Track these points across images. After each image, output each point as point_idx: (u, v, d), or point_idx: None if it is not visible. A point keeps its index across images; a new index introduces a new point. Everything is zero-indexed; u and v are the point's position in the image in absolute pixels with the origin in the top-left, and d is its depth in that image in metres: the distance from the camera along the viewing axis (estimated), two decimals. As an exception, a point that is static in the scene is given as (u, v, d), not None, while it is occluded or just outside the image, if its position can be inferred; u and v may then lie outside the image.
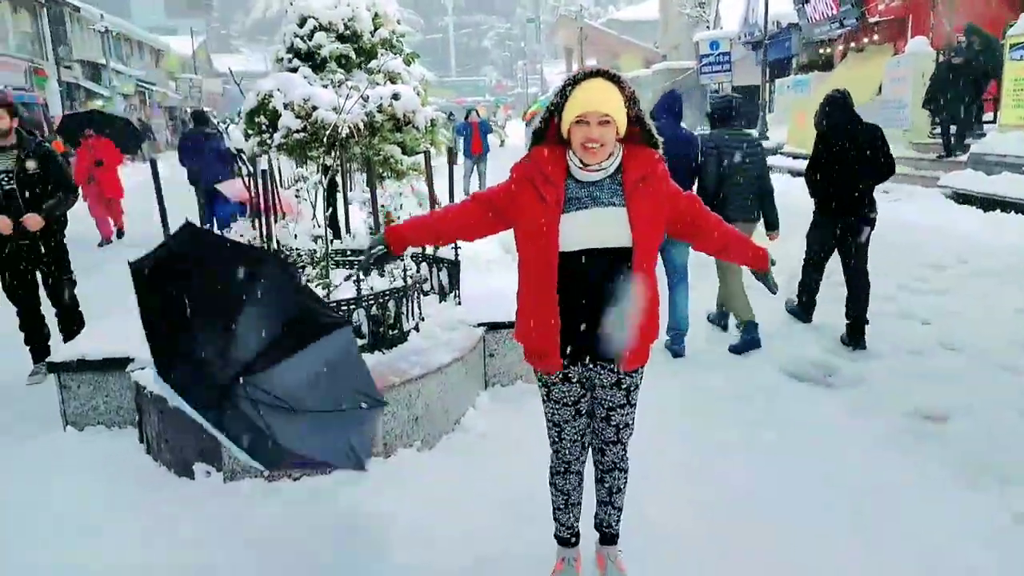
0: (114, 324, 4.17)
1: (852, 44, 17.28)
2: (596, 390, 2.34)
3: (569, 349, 2.21)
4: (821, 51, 18.96)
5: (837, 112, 4.92)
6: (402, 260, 3.77)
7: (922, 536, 2.77)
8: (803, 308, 5.63)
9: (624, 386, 2.32)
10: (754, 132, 7.22)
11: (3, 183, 4.47)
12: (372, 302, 3.67)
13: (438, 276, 4.64)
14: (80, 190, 6.12)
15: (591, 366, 2.28)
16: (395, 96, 4.61)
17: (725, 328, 5.49)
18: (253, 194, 5.70)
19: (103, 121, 10.88)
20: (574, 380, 2.31)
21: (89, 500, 3.20)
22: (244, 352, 2.28)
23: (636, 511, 2.83)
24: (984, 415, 3.76)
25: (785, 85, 20.16)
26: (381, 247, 2.38)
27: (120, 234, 10.44)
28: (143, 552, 2.81)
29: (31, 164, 4.54)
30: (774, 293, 2.58)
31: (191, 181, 8.37)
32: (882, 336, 5.04)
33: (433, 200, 4.66)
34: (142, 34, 39.11)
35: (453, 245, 4.50)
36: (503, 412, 3.93)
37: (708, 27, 27.11)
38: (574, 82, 2.13)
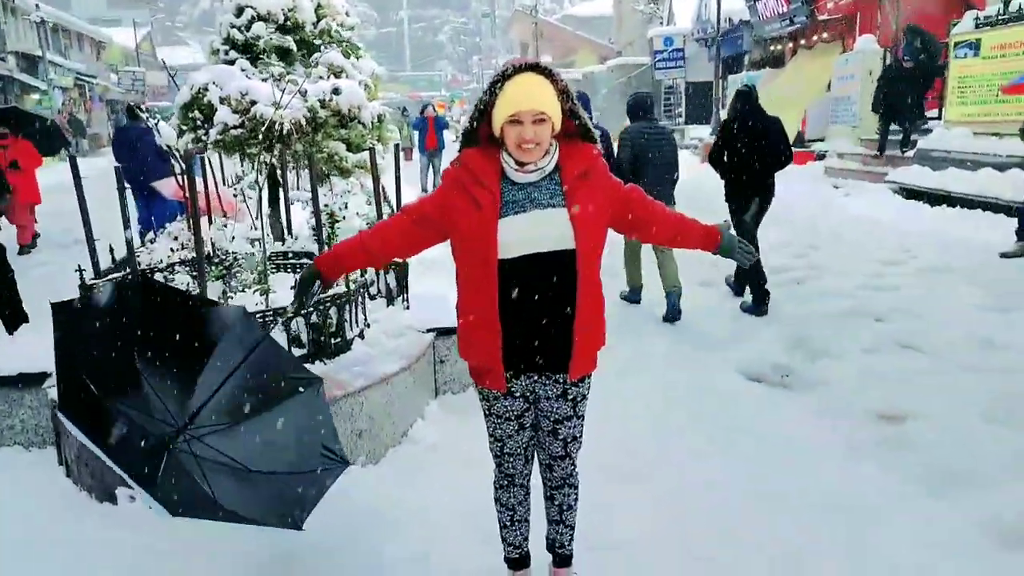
0: (32, 337, 3.86)
1: (802, 41, 17.52)
2: (540, 402, 2.19)
3: (513, 363, 2.06)
4: (772, 48, 19.19)
5: (744, 103, 5.73)
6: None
7: (883, 546, 2.69)
8: (738, 283, 6.17)
9: (571, 397, 2.17)
10: (666, 124, 7.92)
11: None
12: (312, 309, 3.45)
13: (385, 279, 4.43)
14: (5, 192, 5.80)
15: (535, 377, 2.13)
16: (335, 91, 4.36)
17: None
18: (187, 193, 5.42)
19: (20, 120, 9.66)
20: (517, 394, 2.16)
21: (3, 528, 2.92)
22: (192, 407, 2.17)
23: (595, 525, 2.69)
24: (944, 417, 3.71)
25: (738, 81, 20.34)
26: (316, 281, 2.20)
27: (34, 242, 9.34)
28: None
29: None
30: (744, 266, 2.33)
31: (127, 179, 7.94)
32: (838, 335, 5.01)
33: (379, 198, 4.45)
34: (82, 25, 37.60)
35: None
36: (454, 422, 3.75)
37: (662, 23, 27.26)
38: (504, 77, 1.97)
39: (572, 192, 2.01)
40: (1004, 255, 6.90)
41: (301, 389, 2.36)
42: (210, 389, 2.21)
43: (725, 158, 5.71)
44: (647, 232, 2.25)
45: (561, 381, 2.14)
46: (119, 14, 51.43)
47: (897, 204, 9.73)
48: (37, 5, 27.02)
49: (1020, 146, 8.31)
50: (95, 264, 4.01)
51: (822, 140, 14.52)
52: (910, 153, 10.87)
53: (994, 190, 8.57)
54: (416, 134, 14.00)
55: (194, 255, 4.28)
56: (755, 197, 5.74)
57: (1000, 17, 10.29)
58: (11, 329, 4.44)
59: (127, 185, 8.31)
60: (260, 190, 4.10)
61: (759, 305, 5.60)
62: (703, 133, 19.28)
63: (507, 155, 2.02)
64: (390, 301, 4.39)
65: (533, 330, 2.03)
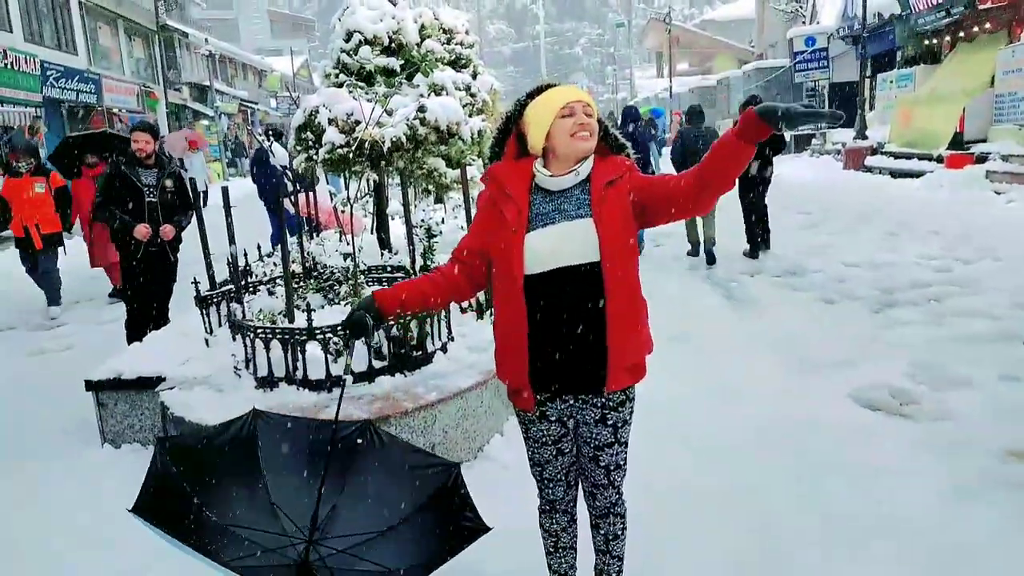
0: (149, 344, 4.24)
1: (961, 34, 15.91)
2: (579, 428, 2.09)
3: (544, 383, 1.99)
4: (927, 43, 17.57)
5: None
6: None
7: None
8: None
9: (610, 423, 2.05)
10: (717, 128, 10.17)
11: (147, 195, 5.08)
12: (394, 322, 3.53)
13: (475, 293, 4.47)
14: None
15: (571, 401, 2.04)
16: (421, 109, 4.45)
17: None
18: (307, 210, 5.75)
19: (111, 145, 7.71)
20: (553, 418, 2.08)
21: (113, 515, 3.21)
22: (318, 519, 2.13)
23: (649, 557, 2.54)
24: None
25: (887, 80, 18.84)
26: (368, 317, 2.06)
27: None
28: (154, 566, 2.76)
29: (168, 183, 5.19)
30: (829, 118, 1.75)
31: (261, 197, 8.60)
32: (976, 361, 4.46)
33: (469, 213, 4.50)
34: (246, 56, 41.26)
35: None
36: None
37: (804, 23, 25.81)
38: (537, 91, 2.00)
39: (599, 201, 1.94)
40: None
41: (438, 481, 2.25)
42: (335, 500, 2.20)
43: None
44: (674, 201, 1.92)
45: (599, 405, 2.03)
46: (281, 44, 55.95)
47: (1070, 212, 8.57)
48: (207, 39, 29.97)
49: None
50: (211, 277, 4.36)
51: (983, 141, 13.09)
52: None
53: None
54: None
55: (300, 269, 4.55)
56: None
57: None
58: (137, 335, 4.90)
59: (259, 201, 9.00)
60: (351, 205, 4.26)
61: (754, 250, 7.95)
62: (847, 137, 17.97)
63: (540, 165, 1.99)
64: (480, 315, 4.42)
65: (563, 348, 1.95)
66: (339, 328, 2.22)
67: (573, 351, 1.95)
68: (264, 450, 2.28)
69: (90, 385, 3.87)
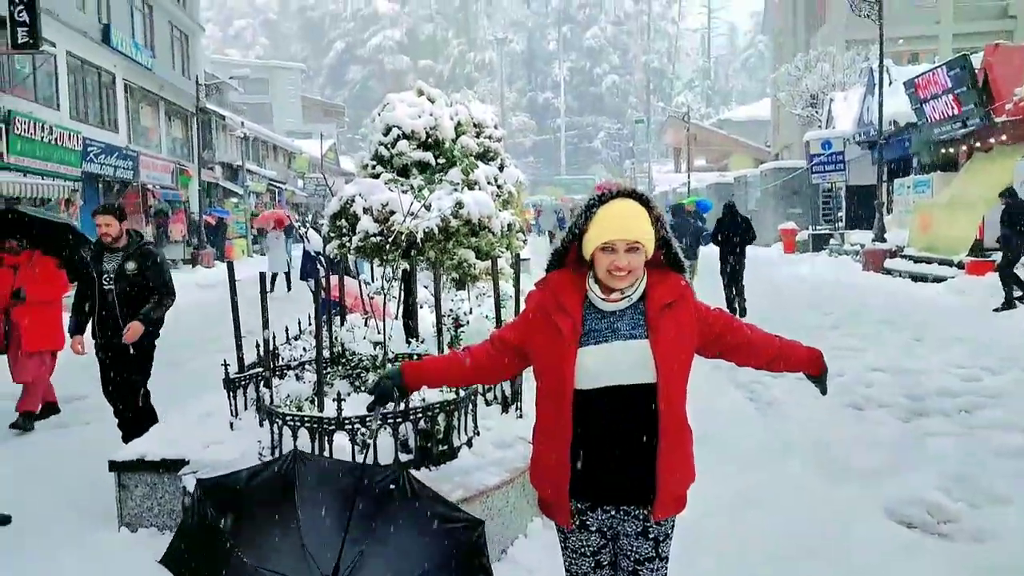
0: (175, 425, 4.23)
1: (977, 144, 16.27)
2: (620, 539, 2.04)
3: (588, 494, 1.97)
4: (943, 151, 17.96)
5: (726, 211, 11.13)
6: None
7: None
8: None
9: (652, 536, 2.01)
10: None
11: (104, 283, 4.80)
12: (420, 415, 3.52)
13: (501, 386, 4.45)
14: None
15: (613, 512, 2.01)
16: (459, 204, 4.57)
17: None
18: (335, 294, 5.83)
19: (38, 229, 6.10)
20: (593, 528, 2.03)
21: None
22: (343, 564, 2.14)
23: None
24: None
25: (904, 185, 19.16)
26: (394, 387, 2.14)
27: (46, 414, 6.14)
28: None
29: (131, 265, 4.82)
30: (824, 394, 2.45)
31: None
32: (1015, 476, 4.33)
33: (498, 303, 4.54)
34: (277, 138, 42.87)
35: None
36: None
37: (820, 127, 26.54)
38: (599, 201, 1.97)
39: (655, 323, 1.95)
40: None
41: (464, 537, 2.29)
42: (363, 545, 2.20)
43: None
44: (742, 355, 2.19)
45: (641, 518, 2.00)
46: (311, 127, 58.15)
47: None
48: (243, 123, 31.26)
49: None
50: (240, 359, 4.38)
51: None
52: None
53: None
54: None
55: (328, 354, 4.57)
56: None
57: None
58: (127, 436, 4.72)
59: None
60: (386, 294, 4.31)
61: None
62: (865, 239, 18.14)
63: (593, 282, 2.00)
64: (504, 408, 4.38)
65: (610, 465, 1.94)
66: (368, 394, 2.28)
67: (620, 469, 1.95)
68: (301, 490, 2.30)
69: (114, 466, 3.84)
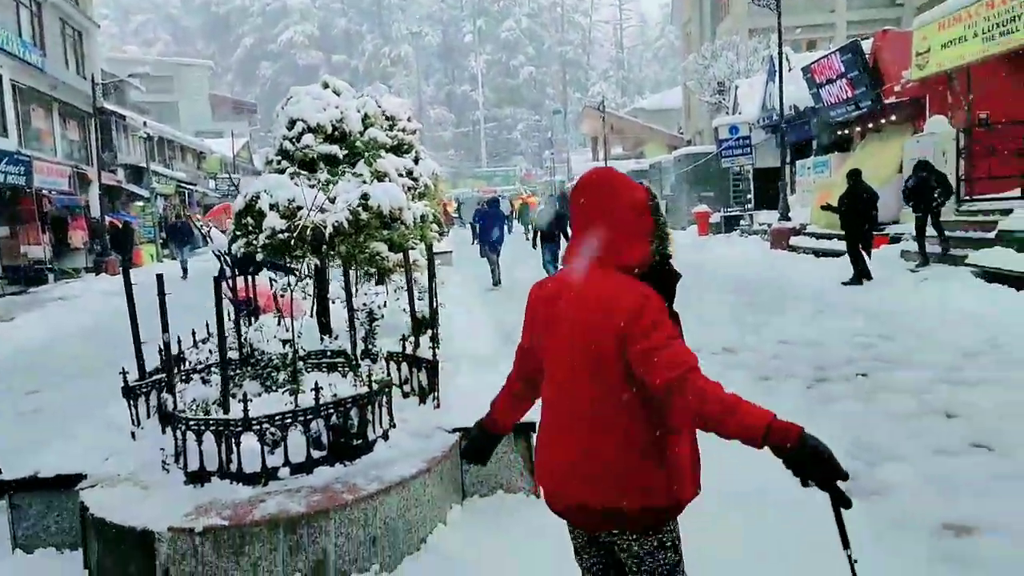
0: (76, 438, 4.01)
1: (870, 125, 17.21)
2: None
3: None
4: (840, 132, 18.92)
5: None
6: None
7: None
8: None
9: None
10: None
11: None
12: (332, 410, 3.45)
13: (417, 377, 4.42)
14: None
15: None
16: (364, 196, 4.51)
17: None
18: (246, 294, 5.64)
19: None
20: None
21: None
22: None
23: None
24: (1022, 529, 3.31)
25: (805, 167, 20.07)
26: (485, 440, 2.31)
27: None
28: None
29: None
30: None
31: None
32: (905, 435, 4.62)
33: (412, 295, 4.50)
34: (185, 138, 41.12)
35: (430, 343, 4.30)
36: (478, 528, 3.60)
37: (728, 113, 27.48)
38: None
39: None
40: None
41: None
42: None
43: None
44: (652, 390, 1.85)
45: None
46: (222, 126, 56.02)
47: (978, 289, 9.14)
48: (145, 122, 29.83)
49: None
50: (140, 366, 4.19)
51: (896, 223, 13.98)
52: (991, 234, 10.29)
53: (1087, 272, 7.95)
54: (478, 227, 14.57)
55: (238, 355, 4.42)
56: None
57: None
58: None
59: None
60: (291, 290, 4.20)
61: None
62: (772, 219, 18.94)
63: None
64: (422, 400, 4.36)
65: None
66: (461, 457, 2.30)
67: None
68: None
69: (3, 486, 3.61)
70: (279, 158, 5.53)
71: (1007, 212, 10.53)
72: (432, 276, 5.04)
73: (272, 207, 4.93)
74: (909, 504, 3.70)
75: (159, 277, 3.73)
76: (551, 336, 1.99)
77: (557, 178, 57.23)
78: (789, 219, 17.88)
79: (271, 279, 5.06)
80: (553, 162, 67.13)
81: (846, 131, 18.51)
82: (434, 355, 4.25)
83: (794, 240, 16.57)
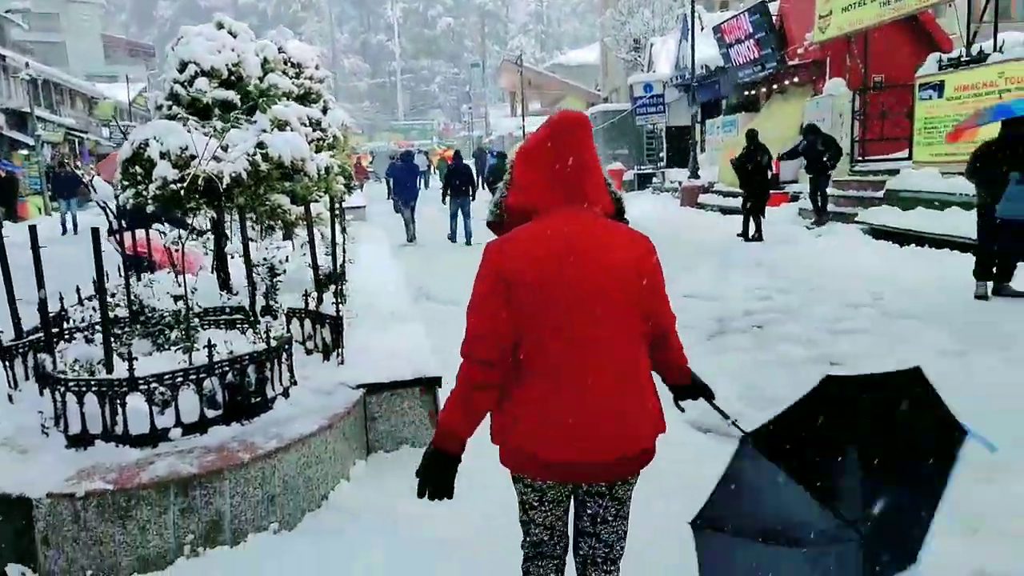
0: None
1: (775, 86, 17.77)
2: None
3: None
4: (747, 93, 19.46)
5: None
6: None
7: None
8: None
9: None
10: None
11: None
12: (228, 368, 3.34)
13: (321, 333, 4.33)
14: None
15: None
16: (260, 145, 4.31)
17: None
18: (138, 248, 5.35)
19: None
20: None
21: None
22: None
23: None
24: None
25: (715, 125, 20.60)
26: (440, 459, 1.90)
27: None
28: None
29: None
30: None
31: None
32: (791, 382, 4.89)
33: (314, 250, 4.38)
34: (74, 82, 38.13)
35: (334, 299, 4.21)
36: (382, 483, 3.59)
37: (643, 71, 27.74)
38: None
39: None
40: (979, 296, 6.82)
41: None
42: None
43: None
44: None
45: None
46: (116, 70, 52.22)
47: (867, 245, 9.71)
48: (27, 63, 27.43)
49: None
50: (16, 324, 3.92)
51: (795, 182, 14.60)
52: (879, 193, 10.91)
53: (962, 229, 8.55)
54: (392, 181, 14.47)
55: (128, 312, 4.20)
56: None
57: (963, 59, 10.46)
58: None
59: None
60: (183, 242, 4.00)
61: None
62: (683, 177, 19.42)
63: None
64: (326, 356, 4.28)
65: None
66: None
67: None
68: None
69: None
70: (170, 103, 5.22)
71: (895, 172, 11.17)
72: (336, 230, 4.91)
73: (163, 155, 4.66)
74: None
75: (31, 229, 3.48)
76: (566, 292, 1.81)
77: (475, 133, 56.64)
78: (699, 177, 18.39)
79: (161, 232, 4.80)
80: (471, 117, 66.31)
81: (753, 91, 19.05)
82: (337, 311, 4.16)
83: (703, 198, 17.07)
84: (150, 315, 4.06)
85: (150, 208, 4.78)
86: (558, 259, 1.81)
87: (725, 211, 15.07)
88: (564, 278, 1.81)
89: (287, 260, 4.99)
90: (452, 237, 13.73)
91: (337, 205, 5.50)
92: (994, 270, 6.81)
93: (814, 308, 6.96)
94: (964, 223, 8.54)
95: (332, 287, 4.50)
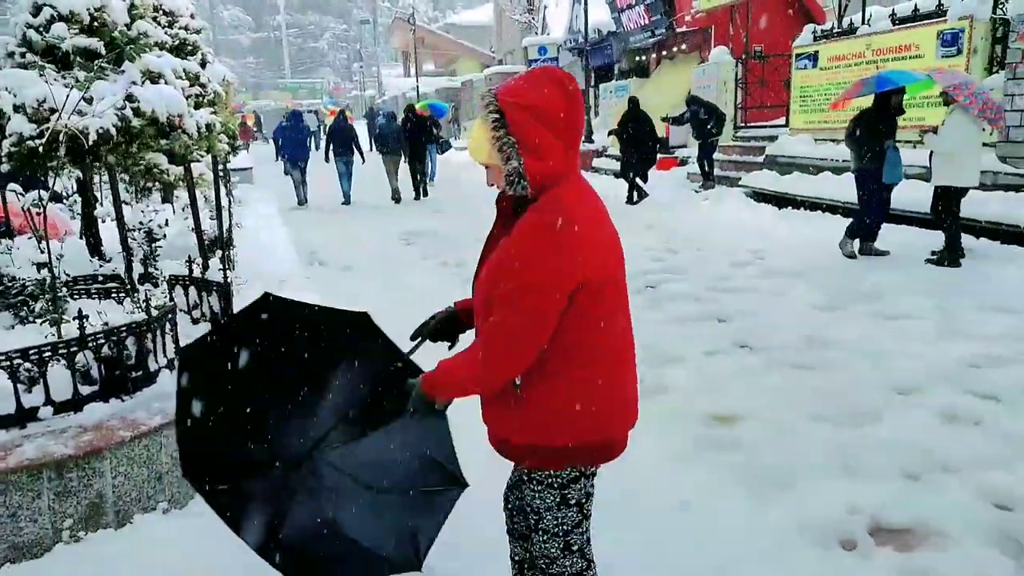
0: None
1: (664, 52, 18.22)
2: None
3: None
4: (638, 59, 19.85)
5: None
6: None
7: (711, 554, 2.68)
8: None
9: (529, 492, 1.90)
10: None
11: None
12: (103, 340, 3.09)
13: (208, 302, 4.10)
14: None
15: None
16: (130, 98, 3.97)
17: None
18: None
19: None
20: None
21: None
22: (320, 429, 2.12)
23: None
24: (771, 416, 3.82)
25: (608, 90, 20.91)
26: (422, 401, 1.79)
27: None
28: None
29: None
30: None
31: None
32: (684, 339, 5.10)
33: (197, 213, 4.11)
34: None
35: (221, 264, 3.98)
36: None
37: (537, 33, 27.69)
38: None
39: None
40: (848, 255, 7.31)
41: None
42: (337, 408, 2.13)
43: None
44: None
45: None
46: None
47: (749, 208, 10.21)
48: None
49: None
50: None
51: (684, 147, 15.11)
52: (760, 158, 11.46)
53: (833, 192, 9.15)
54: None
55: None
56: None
57: (835, 31, 11.06)
58: None
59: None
60: (44, 206, 3.64)
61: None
62: (577, 141, 19.66)
63: None
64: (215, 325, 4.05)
65: None
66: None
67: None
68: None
69: None
70: (23, 50, 4.69)
71: (773, 139, 11.77)
72: (220, 192, 4.63)
73: (17, 108, 4.21)
74: (683, 400, 4.12)
75: None
76: (621, 266, 1.78)
77: (368, 92, 54.90)
78: (592, 142, 18.66)
79: (19, 194, 4.36)
80: (363, 76, 64.21)
81: (644, 57, 19.45)
82: (225, 277, 3.94)
83: (596, 162, 17.37)
84: (10, 285, 3.69)
85: (4, 167, 4.33)
86: (613, 237, 1.78)
87: (617, 175, 15.40)
88: (619, 252, 1.79)
89: (167, 224, 4.66)
90: (347, 199, 13.39)
91: (221, 166, 5.19)
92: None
93: (703, 268, 7.27)
94: (835, 187, 9.15)
95: (219, 252, 4.25)
